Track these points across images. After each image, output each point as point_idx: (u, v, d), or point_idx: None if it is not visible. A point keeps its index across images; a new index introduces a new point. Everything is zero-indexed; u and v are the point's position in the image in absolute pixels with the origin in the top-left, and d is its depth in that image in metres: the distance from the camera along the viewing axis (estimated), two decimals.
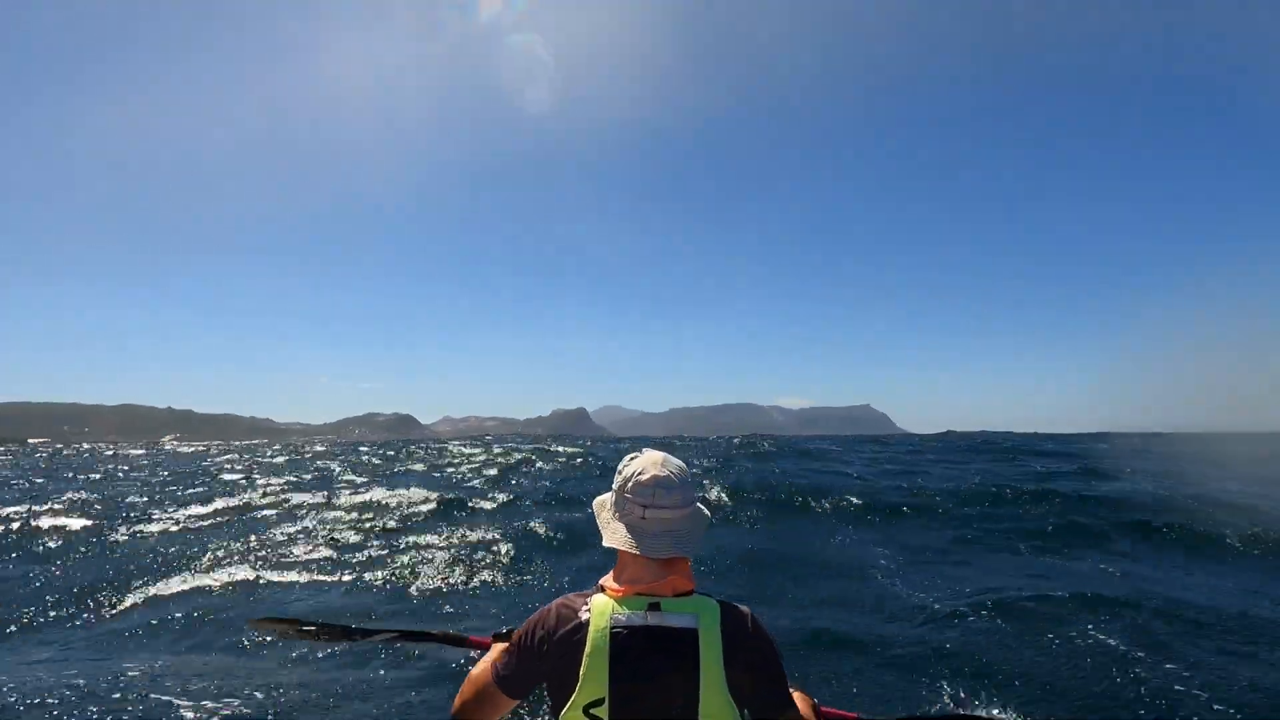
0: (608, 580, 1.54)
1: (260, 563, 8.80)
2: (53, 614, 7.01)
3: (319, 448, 41.60)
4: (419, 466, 21.74)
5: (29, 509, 12.86)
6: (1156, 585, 7.04)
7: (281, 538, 10.32)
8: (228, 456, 32.98)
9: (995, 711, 4.40)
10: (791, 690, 1.59)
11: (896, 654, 5.32)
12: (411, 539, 9.98)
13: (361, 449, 38.28)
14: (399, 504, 13.07)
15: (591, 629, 1.42)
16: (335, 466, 22.53)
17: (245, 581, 7.92)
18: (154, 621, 6.61)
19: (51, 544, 10.13)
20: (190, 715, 4.17)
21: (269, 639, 5.84)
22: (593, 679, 1.39)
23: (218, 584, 7.85)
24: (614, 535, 1.54)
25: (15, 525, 11.24)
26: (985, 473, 16.60)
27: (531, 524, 10.65)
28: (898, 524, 11.07)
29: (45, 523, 11.39)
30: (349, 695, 4.67)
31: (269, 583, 7.90)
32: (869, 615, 6.41)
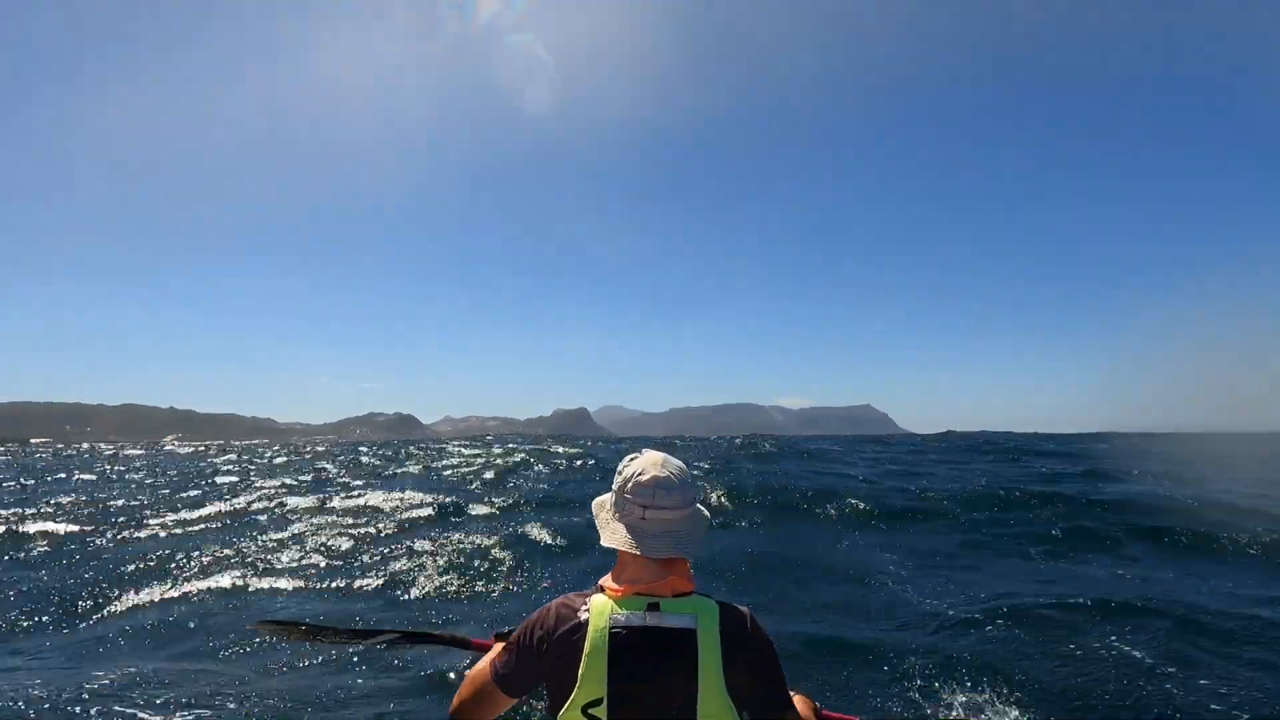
0: (607, 580, 1.54)
1: (251, 568, 8.60)
2: (25, 622, 6.81)
3: (319, 448, 41.47)
4: (417, 468, 21.55)
5: (18, 513, 12.68)
6: (1173, 591, 6.82)
7: (274, 542, 10.12)
8: (226, 457, 32.85)
9: None
10: (793, 693, 1.60)
11: (910, 662, 5.13)
12: (407, 543, 9.77)
13: (361, 449, 38.13)
14: (395, 507, 12.87)
15: (590, 629, 1.43)
16: (332, 468, 22.36)
17: (234, 588, 7.73)
18: (129, 629, 6.45)
19: (36, 549, 9.93)
20: None
21: (258, 643, 5.79)
22: (591, 679, 1.39)
23: (204, 590, 7.66)
24: (613, 535, 1.54)
25: (0, 530, 11.06)
26: (990, 474, 16.40)
27: (530, 527, 10.45)
28: (904, 528, 10.86)
29: (32, 528, 11.18)
30: (345, 699, 4.58)
31: (259, 589, 7.71)
32: (879, 621, 6.21)
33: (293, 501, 13.81)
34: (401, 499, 13.67)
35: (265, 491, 16.11)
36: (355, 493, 15.15)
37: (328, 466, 22.81)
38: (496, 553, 9.13)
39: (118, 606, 7.26)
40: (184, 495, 16.05)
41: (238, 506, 13.40)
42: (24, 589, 7.91)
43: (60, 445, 69.88)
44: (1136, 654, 5.08)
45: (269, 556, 9.21)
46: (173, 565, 8.79)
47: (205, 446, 56.46)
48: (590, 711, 1.39)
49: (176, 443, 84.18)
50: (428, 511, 12.26)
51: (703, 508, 1.63)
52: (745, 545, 9.38)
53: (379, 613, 6.90)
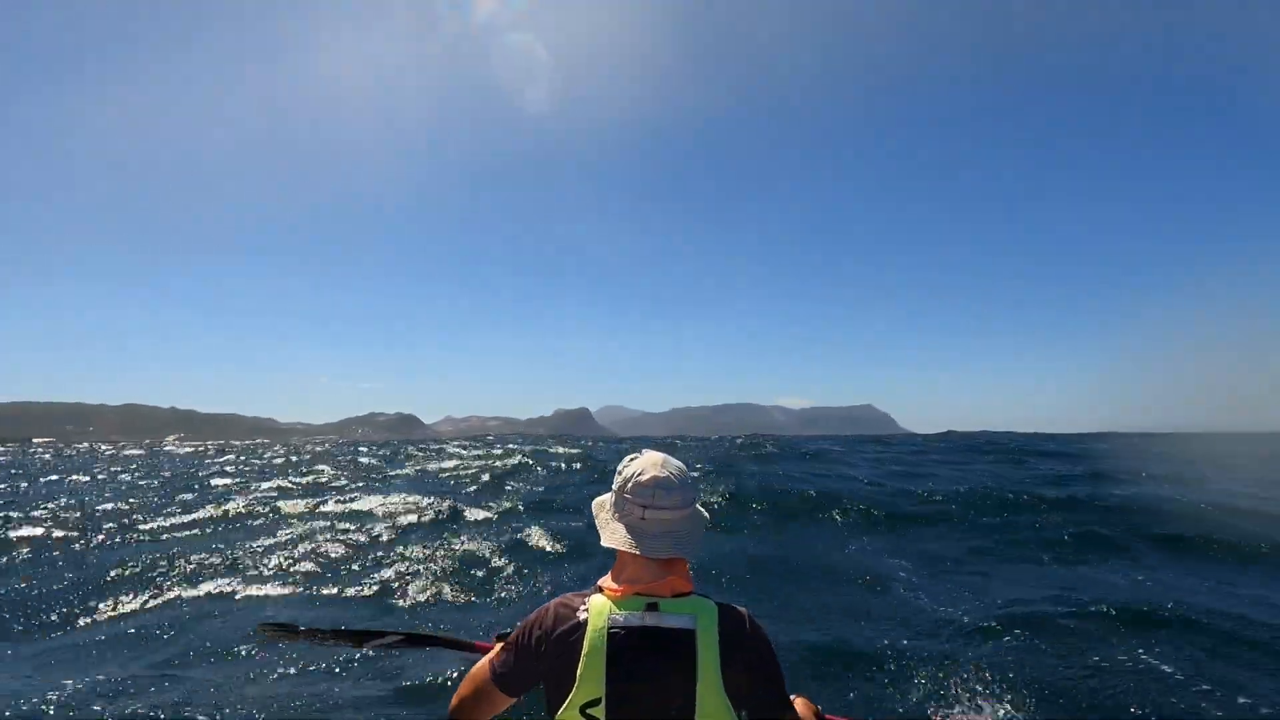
0: (606, 580, 1.54)
1: (238, 573, 8.38)
2: None
3: (317, 448, 41.29)
4: (416, 470, 21.33)
5: (4, 516, 12.47)
6: (1196, 599, 6.53)
7: (265, 547, 9.90)
8: (224, 458, 32.68)
9: None
10: (794, 696, 1.62)
11: (924, 671, 4.93)
12: (404, 548, 9.54)
13: (360, 449, 37.95)
14: (392, 510, 12.65)
15: (589, 629, 1.43)
16: (330, 469, 22.14)
17: (219, 594, 7.52)
18: (105, 636, 6.23)
19: (20, 555, 9.70)
20: None
21: (244, 650, 5.61)
22: (589, 679, 1.39)
23: (187, 596, 7.45)
24: (613, 535, 1.54)
25: None
26: (995, 476, 16.14)
27: (529, 530, 10.23)
28: (910, 531, 10.58)
29: (15, 533, 10.90)
30: (340, 703, 4.50)
31: (246, 596, 7.48)
32: (889, 629, 5.98)
33: (287, 505, 13.57)
34: (398, 502, 13.45)
35: (260, 494, 15.90)
36: (352, 496, 14.92)
37: (325, 468, 22.59)
38: (495, 556, 8.93)
39: (96, 614, 7.05)
40: (177, 498, 15.82)
41: (230, 510, 13.15)
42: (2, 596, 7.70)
43: (61, 445, 69.81)
44: (1166, 668, 4.82)
45: (258, 561, 8.98)
46: (156, 571, 8.55)
47: (204, 447, 56.33)
48: (589, 711, 1.39)
49: (177, 443, 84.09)
50: (425, 515, 12.02)
51: (702, 508, 1.62)
52: (748, 549, 9.17)
53: (375, 619, 6.73)
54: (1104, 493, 13.01)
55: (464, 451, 29.90)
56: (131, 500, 15.14)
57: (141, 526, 11.60)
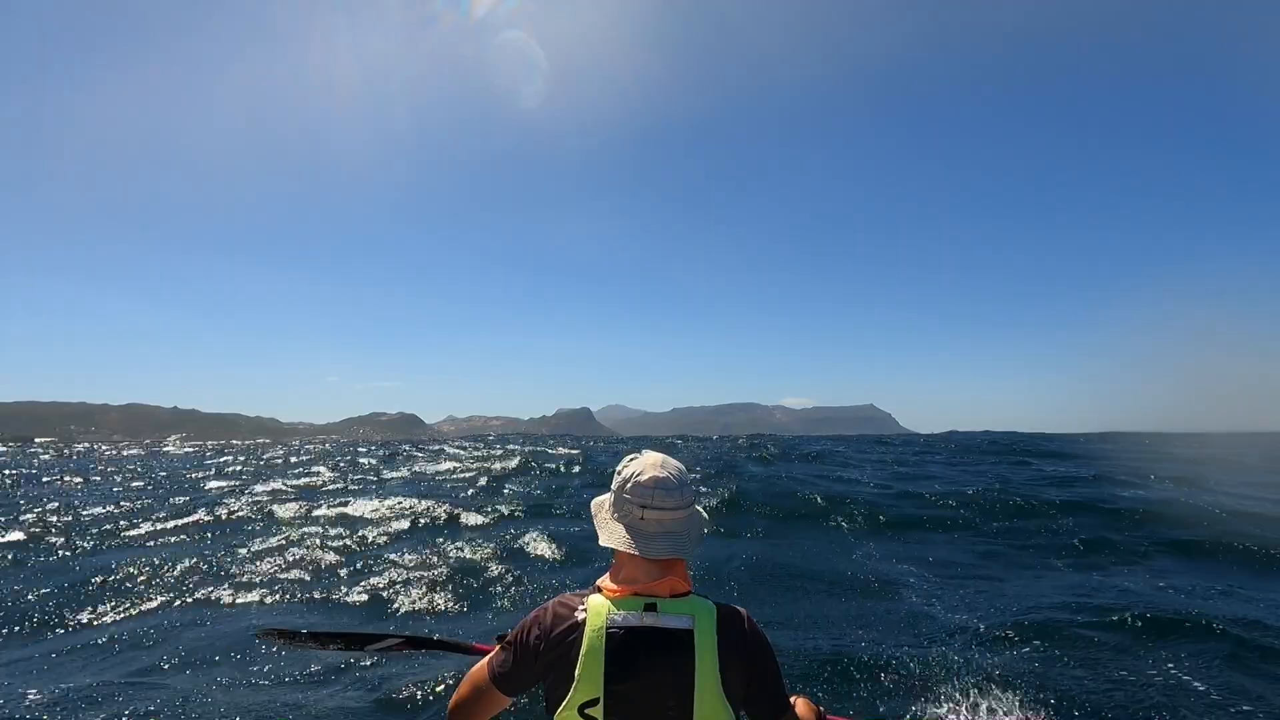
0: (604, 581, 1.54)
1: (227, 579, 8.15)
2: None
3: (315, 448, 41.07)
4: (413, 472, 21.07)
5: None
6: (1221, 608, 6.24)
7: (256, 552, 9.66)
8: (222, 459, 32.45)
9: None
10: (795, 697, 1.62)
11: (937, 679, 4.71)
12: (396, 554, 9.31)
13: (359, 449, 37.73)
14: (387, 515, 12.40)
15: (587, 629, 1.43)
16: (325, 472, 21.87)
17: (207, 601, 7.30)
18: (82, 645, 6.02)
19: (2, 558, 9.50)
20: None
21: (230, 657, 5.48)
22: (588, 679, 1.39)
23: (175, 603, 7.23)
24: (611, 535, 1.54)
25: None
26: (1002, 479, 15.84)
27: (526, 535, 10.02)
28: (918, 536, 10.31)
29: (4, 538, 10.72)
30: (339, 708, 4.43)
31: (236, 602, 7.27)
32: (901, 636, 5.75)
33: (280, 509, 13.31)
34: (394, 506, 13.19)
35: (253, 497, 15.65)
36: (347, 499, 14.66)
37: (321, 470, 22.33)
38: (492, 561, 8.72)
39: (76, 621, 6.84)
40: (168, 501, 15.57)
41: (221, 514, 12.93)
42: None
43: (62, 445, 69.81)
44: (1196, 683, 4.55)
45: (247, 567, 8.73)
46: (140, 578, 8.30)
47: (203, 448, 56.25)
48: (587, 711, 1.39)
49: (178, 443, 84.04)
50: (421, 520, 11.77)
51: (701, 509, 1.62)
52: (751, 554, 8.91)
53: (370, 626, 6.56)
54: (1113, 495, 12.75)
55: (462, 452, 29.62)
56: (124, 504, 14.89)
57: (129, 532, 11.35)
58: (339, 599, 7.35)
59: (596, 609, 1.45)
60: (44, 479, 22.33)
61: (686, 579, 1.53)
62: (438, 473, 19.30)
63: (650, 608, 1.44)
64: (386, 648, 2.02)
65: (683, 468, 1.60)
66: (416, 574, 8.12)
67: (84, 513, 13.51)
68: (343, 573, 8.46)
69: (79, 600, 7.49)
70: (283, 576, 8.33)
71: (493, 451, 29.43)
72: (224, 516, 12.53)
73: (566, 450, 30.40)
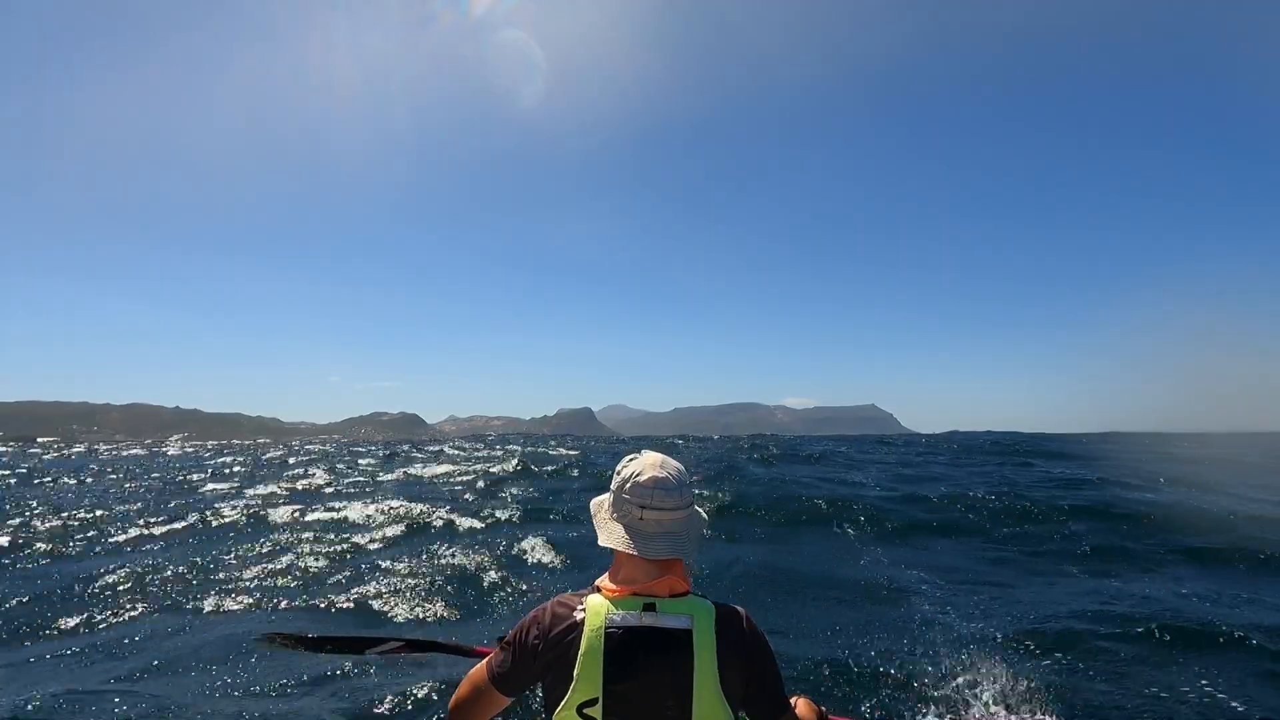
0: (603, 581, 1.54)
1: (219, 586, 7.91)
2: None
3: (316, 449, 40.85)
4: (412, 474, 20.81)
5: None
6: (1237, 615, 5.99)
7: (248, 557, 9.42)
8: (219, 460, 32.23)
9: None
10: (797, 698, 1.63)
11: (951, 691, 4.47)
12: (391, 559, 9.08)
13: (357, 449, 37.50)
14: (382, 519, 12.15)
15: (586, 629, 1.42)
16: (322, 474, 21.61)
17: (202, 607, 7.06)
18: (65, 651, 5.81)
19: None
20: None
21: (219, 664, 5.31)
22: (586, 679, 1.39)
23: (165, 608, 7.01)
24: (610, 535, 1.54)
25: None
26: (1008, 482, 15.54)
27: (524, 539, 9.77)
28: (927, 541, 10.00)
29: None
30: (338, 712, 4.34)
31: (227, 610, 7.05)
32: (911, 645, 5.49)
33: (275, 512, 13.05)
34: (392, 509, 12.94)
35: (247, 500, 15.40)
36: (343, 502, 14.41)
37: (318, 472, 22.06)
38: (489, 566, 8.49)
39: (57, 627, 6.60)
40: (161, 504, 15.33)
41: (213, 517, 12.68)
42: None
43: (63, 445, 69.75)
44: (1236, 704, 4.25)
45: (238, 573, 8.47)
46: (122, 584, 8.04)
47: (202, 449, 56.09)
48: (585, 711, 1.39)
49: (180, 443, 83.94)
50: (417, 524, 11.50)
51: (700, 509, 1.61)
52: (754, 559, 8.66)
53: (368, 631, 6.22)
54: (1122, 498, 12.44)
55: (461, 454, 29.37)
56: (115, 507, 14.63)
57: (118, 536, 11.09)
58: (336, 604, 7.12)
59: (595, 609, 1.45)
60: (35, 480, 22.09)
61: (685, 579, 1.53)
62: (436, 475, 19.05)
63: (649, 608, 1.43)
64: (387, 651, 2.01)
65: (682, 468, 1.59)
66: (414, 579, 7.89)
67: (72, 516, 13.24)
68: (338, 578, 8.21)
69: (58, 607, 7.24)
70: (277, 582, 8.08)
71: (493, 453, 29.20)
72: (216, 520, 12.26)
73: (566, 451, 30.14)
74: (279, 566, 8.71)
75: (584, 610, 1.46)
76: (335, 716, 4.30)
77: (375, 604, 7.08)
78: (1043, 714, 4.10)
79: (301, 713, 4.33)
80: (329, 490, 16.87)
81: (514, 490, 15.84)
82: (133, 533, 11.20)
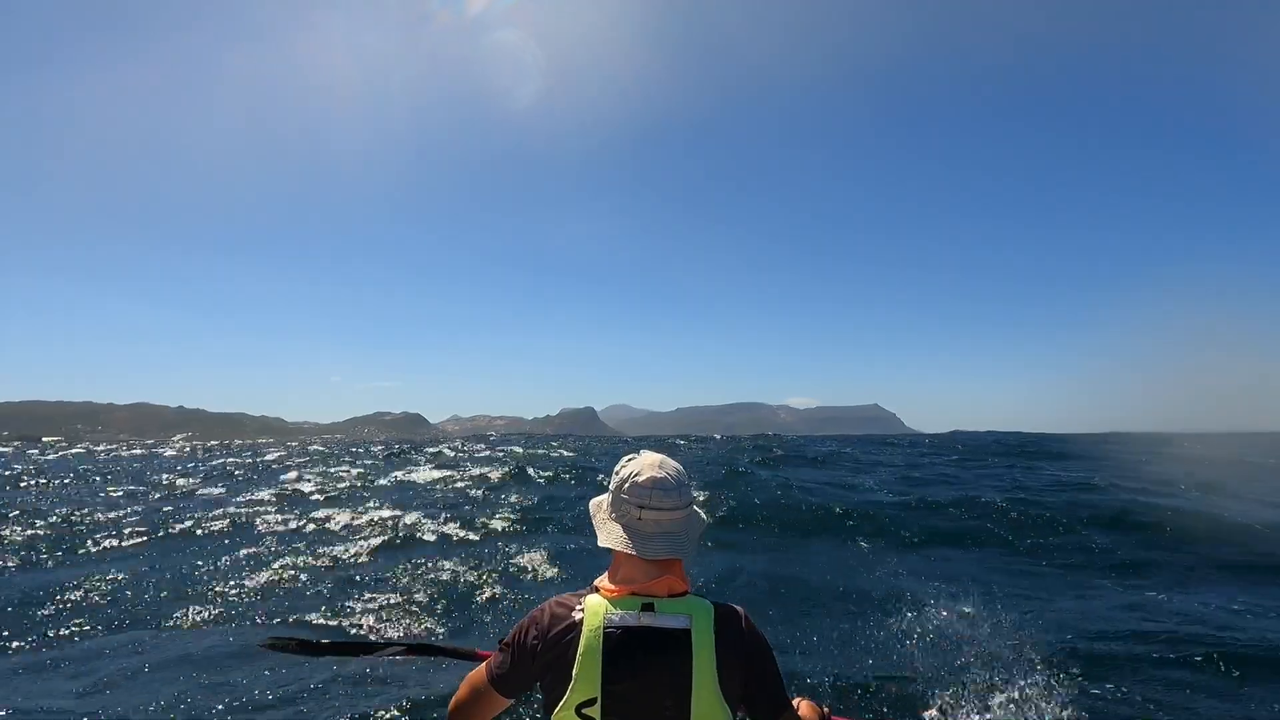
0: (602, 581, 1.54)
1: (208, 594, 7.52)
2: None
3: (315, 450, 40.56)
4: (410, 478, 20.42)
5: None
6: None
7: (239, 563, 9.02)
8: (218, 461, 31.95)
9: None
10: (800, 699, 1.63)
11: (977, 714, 4.06)
12: (391, 564, 8.72)
13: (356, 450, 37.20)
14: (380, 524, 11.75)
15: (585, 629, 1.43)
16: (320, 476, 21.23)
17: (197, 613, 6.69)
18: (42, 662, 5.45)
19: None
20: None
21: (228, 668, 5.15)
22: (585, 679, 1.39)
23: (157, 617, 6.64)
24: (609, 536, 1.54)
25: None
26: (1021, 485, 15.09)
27: (523, 543, 9.46)
28: (944, 550, 9.50)
29: None
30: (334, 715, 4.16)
31: (220, 616, 6.71)
32: (934, 661, 5.08)
33: (267, 518, 12.64)
34: (389, 514, 12.52)
35: (242, 503, 15.01)
36: (340, 508, 13.99)
37: (315, 474, 21.68)
38: (488, 569, 8.22)
39: (17, 643, 6.20)
40: (154, 508, 14.94)
41: (209, 522, 12.29)
42: None
43: (65, 445, 69.66)
44: None
45: (224, 583, 8.03)
46: (96, 594, 7.63)
47: (200, 448, 55.91)
48: (584, 711, 1.39)
49: (181, 443, 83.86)
50: (416, 527, 11.10)
51: (699, 509, 1.61)
52: (761, 569, 8.24)
53: (367, 637, 6.15)
54: (1147, 504, 11.93)
55: (460, 455, 29.00)
56: (98, 514, 14.24)
57: (109, 542, 10.69)
58: (329, 614, 6.81)
59: (594, 609, 1.44)
60: (38, 480, 21.73)
61: (684, 579, 1.53)
62: (433, 480, 18.64)
63: (648, 607, 1.43)
64: (388, 655, 2.04)
65: (681, 468, 1.59)
66: (407, 590, 7.55)
67: (66, 519, 12.84)
68: (330, 588, 7.82)
69: (26, 619, 6.84)
70: (266, 593, 7.67)
71: (494, 454, 28.81)
72: (202, 529, 11.85)
73: (566, 453, 29.76)
74: (265, 578, 8.29)
75: (582, 610, 1.45)
76: None
77: (369, 615, 6.80)
78: None
79: (303, 718, 4.26)
80: (325, 494, 16.46)
81: (513, 493, 15.45)
82: (114, 541, 10.78)
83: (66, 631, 6.43)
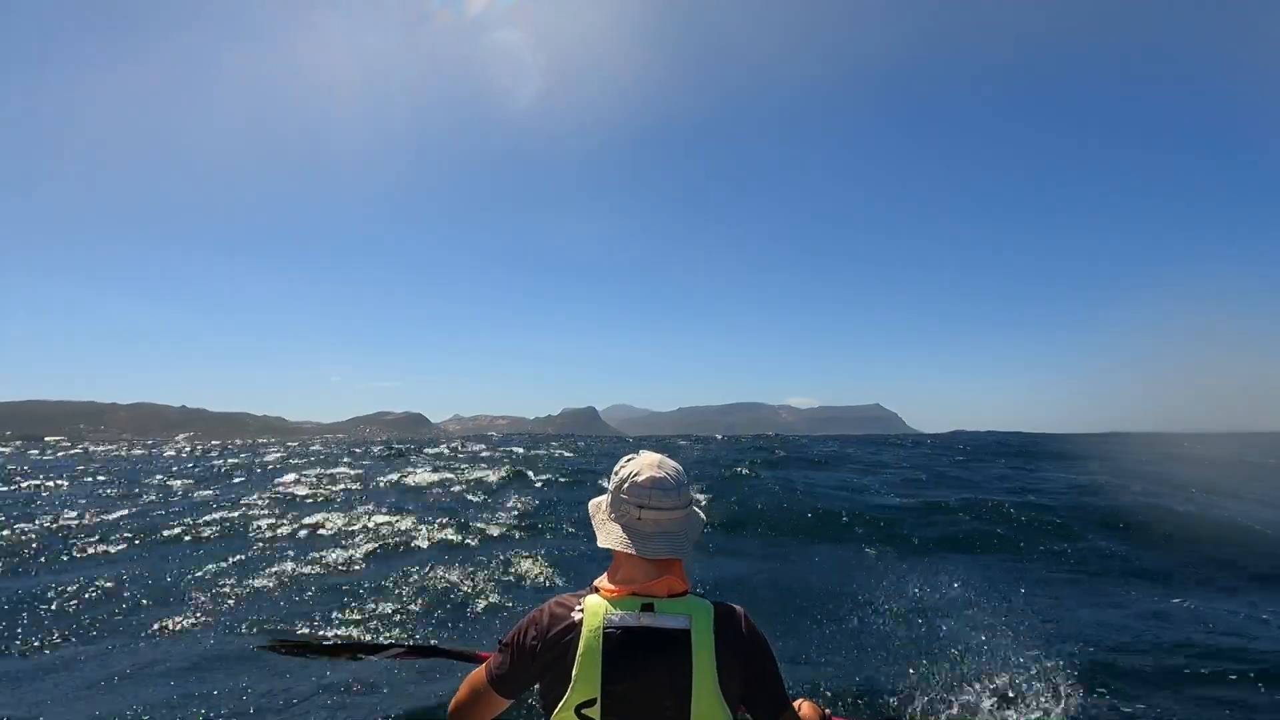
0: (602, 581, 1.54)
1: (200, 598, 7.34)
2: None
3: (315, 450, 40.40)
4: (409, 479, 20.24)
5: None
6: None
7: (232, 567, 8.84)
8: (217, 462, 31.78)
9: None
10: (801, 700, 1.66)
11: None
12: (389, 567, 8.51)
13: (356, 450, 37.02)
14: (379, 526, 11.56)
15: (584, 629, 1.43)
16: (318, 478, 21.07)
17: (195, 615, 6.53)
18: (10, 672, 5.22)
19: None
20: None
21: (227, 671, 5.11)
22: (585, 679, 1.39)
23: (152, 621, 6.47)
24: (609, 536, 1.54)
25: None
26: (1029, 488, 14.87)
27: (522, 544, 9.26)
28: (953, 555, 9.23)
29: None
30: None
31: (213, 620, 6.54)
32: (952, 676, 4.81)
33: (264, 521, 12.46)
34: (387, 516, 12.32)
35: (234, 509, 14.83)
36: (339, 510, 13.79)
37: (313, 477, 21.51)
38: (487, 572, 8.07)
39: (16, 644, 6.06)
40: (149, 512, 14.78)
41: (204, 525, 12.13)
42: None
43: (68, 444, 69.57)
44: None
45: (219, 585, 7.84)
46: (89, 598, 7.46)
47: (201, 448, 55.77)
48: (584, 712, 1.39)
49: (183, 443, 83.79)
50: (415, 528, 10.88)
51: (699, 509, 1.61)
52: (761, 573, 8.06)
53: (366, 638, 5.84)
54: (1158, 508, 11.62)
55: (460, 456, 28.83)
56: (89, 516, 14.07)
57: (100, 547, 10.51)
58: (328, 617, 6.67)
59: (593, 609, 1.44)
60: (35, 480, 21.58)
61: (684, 578, 1.52)
62: (433, 481, 18.48)
63: (647, 608, 1.43)
64: (390, 656, 2.07)
65: (680, 468, 1.60)
66: (404, 595, 7.36)
67: (58, 523, 12.67)
68: (331, 591, 7.62)
69: (16, 624, 6.68)
70: (261, 598, 7.48)
71: (494, 455, 28.65)
72: (195, 533, 11.69)
73: (567, 454, 29.59)
74: (260, 583, 8.08)
75: (582, 611, 1.45)
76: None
77: (367, 620, 6.65)
78: None
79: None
80: (323, 496, 16.28)
81: (512, 495, 15.27)
82: (100, 548, 10.59)
83: (57, 638, 6.25)
